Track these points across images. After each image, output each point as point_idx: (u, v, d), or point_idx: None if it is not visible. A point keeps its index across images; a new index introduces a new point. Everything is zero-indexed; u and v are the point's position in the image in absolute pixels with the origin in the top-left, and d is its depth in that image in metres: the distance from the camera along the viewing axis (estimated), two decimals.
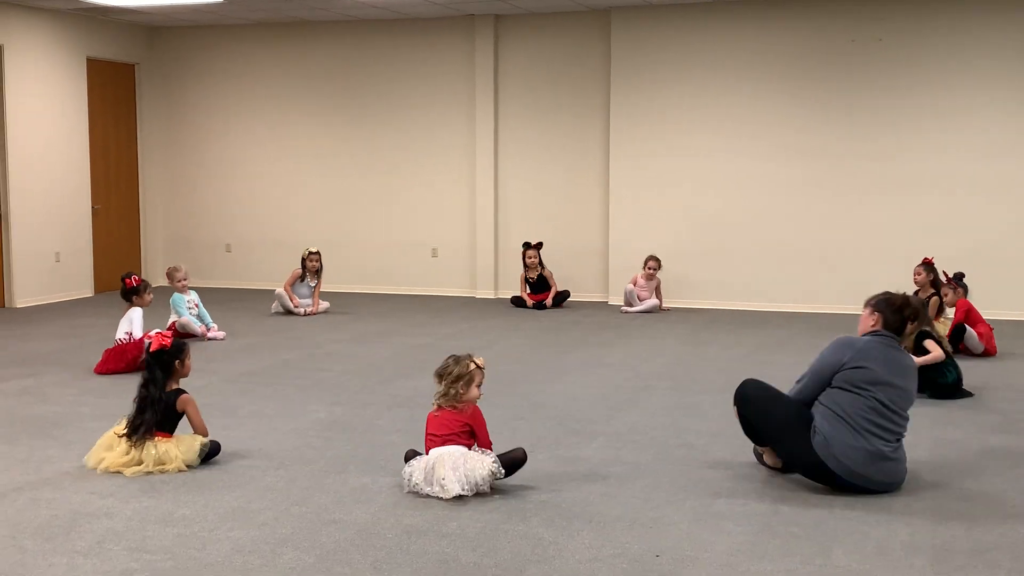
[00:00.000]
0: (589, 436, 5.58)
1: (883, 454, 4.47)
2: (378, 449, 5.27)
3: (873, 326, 4.65)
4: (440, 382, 4.63)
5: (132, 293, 7.57)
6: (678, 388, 6.85)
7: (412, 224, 12.24)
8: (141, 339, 7.30)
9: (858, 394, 4.46)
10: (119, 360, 7.28)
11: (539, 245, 11.08)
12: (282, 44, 12.59)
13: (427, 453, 4.59)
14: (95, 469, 4.85)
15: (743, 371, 7.43)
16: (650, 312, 10.56)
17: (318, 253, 10.50)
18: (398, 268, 12.32)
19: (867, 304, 4.72)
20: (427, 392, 5.96)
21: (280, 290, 10.37)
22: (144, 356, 5.04)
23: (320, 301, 10.56)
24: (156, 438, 4.88)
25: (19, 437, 5.52)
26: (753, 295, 10.93)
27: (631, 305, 10.57)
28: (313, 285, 10.49)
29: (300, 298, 10.45)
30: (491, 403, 6.32)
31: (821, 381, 4.57)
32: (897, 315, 4.64)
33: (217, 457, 5.03)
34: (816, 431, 4.48)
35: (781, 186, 10.82)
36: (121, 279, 7.58)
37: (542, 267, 11.04)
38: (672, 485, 4.71)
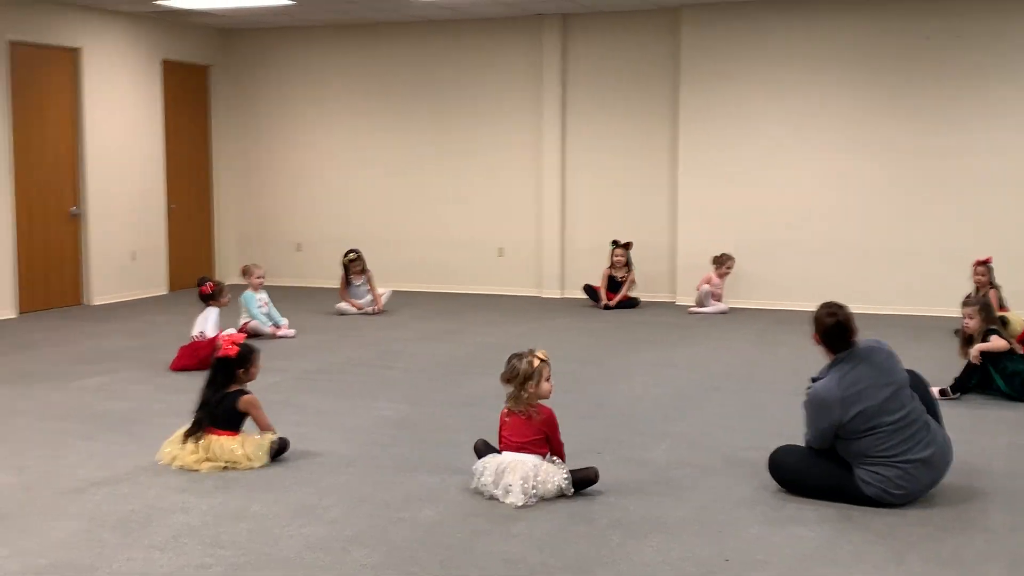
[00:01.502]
0: (656, 437, 5.54)
1: (929, 454, 4.35)
2: (446, 448, 5.29)
3: (826, 352, 4.46)
4: (510, 385, 4.61)
5: (208, 298, 7.76)
6: (747, 389, 6.78)
7: (478, 223, 12.27)
8: (214, 338, 7.44)
9: (873, 434, 4.31)
10: (192, 357, 7.44)
11: (628, 245, 11.01)
12: (351, 45, 12.72)
13: (500, 452, 4.59)
14: (168, 465, 4.95)
15: (812, 373, 7.32)
16: (719, 313, 10.46)
17: (357, 253, 10.54)
18: (464, 267, 12.35)
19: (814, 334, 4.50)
20: (496, 391, 5.98)
21: (339, 304, 10.47)
22: (214, 359, 5.13)
23: (379, 291, 10.59)
24: (219, 436, 4.96)
25: (96, 432, 5.66)
26: (823, 295, 10.74)
27: (702, 306, 10.47)
28: (360, 284, 10.54)
29: (358, 299, 10.53)
30: (557, 403, 6.27)
31: (830, 440, 4.40)
32: (826, 321, 4.40)
33: (287, 454, 5.10)
34: (862, 480, 4.33)
35: (852, 184, 10.64)
36: (197, 284, 7.74)
37: (628, 269, 10.97)
38: (741, 488, 4.66)
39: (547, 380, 4.61)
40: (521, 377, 4.57)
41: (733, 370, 7.47)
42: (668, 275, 11.43)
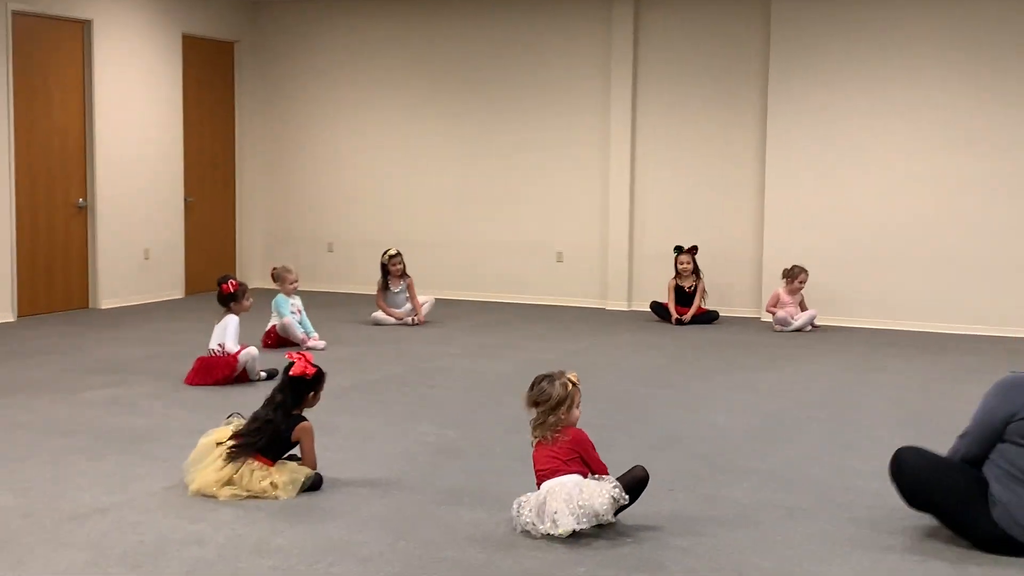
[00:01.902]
0: (737, 474, 5.50)
1: None
2: (494, 478, 5.29)
3: None
4: (536, 410, 4.62)
5: (230, 299, 7.77)
6: (842, 421, 6.70)
7: (534, 225, 12.31)
8: (234, 355, 7.54)
9: None
10: (207, 374, 7.52)
11: (693, 249, 10.97)
12: (396, 22, 12.82)
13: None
14: (188, 487, 5.00)
15: (920, 404, 7.22)
16: (808, 330, 10.36)
17: (399, 255, 10.62)
18: (517, 274, 12.40)
19: None
20: None
21: (375, 314, 10.55)
22: (283, 375, 5.19)
23: (421, 300, 10.68)
24: (255, 463, 5.01)
25: (105, 452, 5.74)
26: (929, 313, 10.61)
27: (785, 325, 10.38)
28: (400, 291, 10.60)
29: (396, 308, 10.60)
30: (620, 432, 6.29)
31: (990, 436, 4.31)
32: None
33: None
34: (994, 500, 4.25)
35: (962, 189, 10.47)
36: (217, 283, 7.80)
37: (697, 277, 10.93)
38: (835, 535, 4.60)
39: (577, 407, 4.65)
40: (553, 402, 4.60)
41: (827, 397, 7.39)
42: (751, 287, 11.35)
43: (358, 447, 5.89)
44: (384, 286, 10.61)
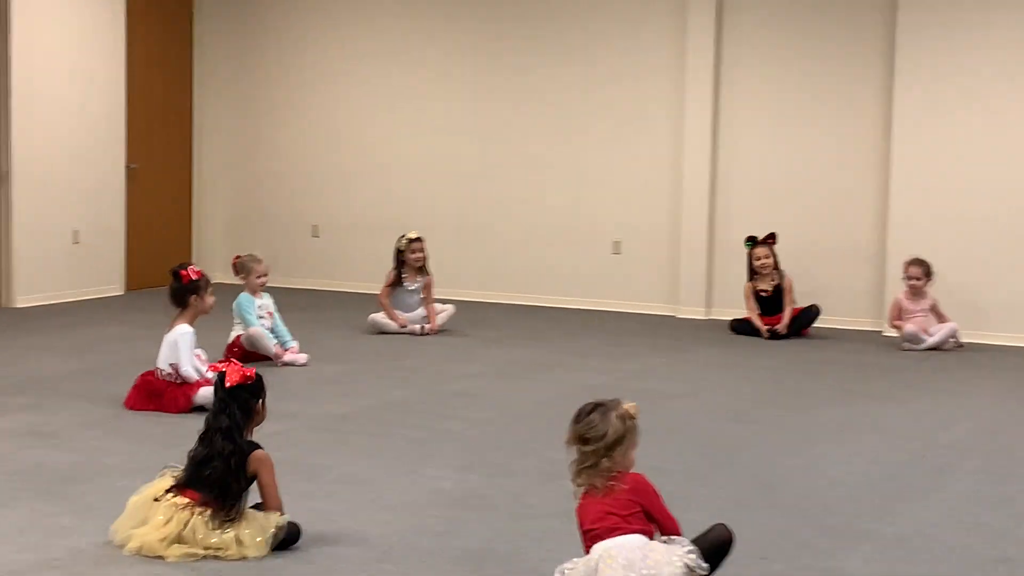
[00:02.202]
0: (853, 539, 5.45)
1: None
2: (528, 540, 5.26)
3: None
4: (583, 449, 4.57)
5: (189, 291, 7.67)
6: (992, 471, 6.63)
7: (584, 207, 12.34)
8: (190, 386, 7.50)
9: None
10: (153, 398, 7.49)
11: (771, 239, 10.95)
12: None
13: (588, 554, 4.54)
14: (123, 548, 4.97)
15: None
16: (947, 348, 10.27)
17: (420, 240, 10.63)
18: (560, 270, 12.41)
19: None
20: None
21: (374, 316, 10.54)
22: (217, 393, 5.16)
23: (437, 307, 10.69)
24: (204, 509, 4.98)
25: (19, 497, 5.70)
26: None
27: (916, 342, 10.29)
28: (416, 288, 10.64)
29: (406, 310, 10.61)
30: (697, 481, 6.25)
31: None
32: None
33: (295, 544, 5.10)
34: None
35: None
36: (173, 272, 7.73)
37: (779, 274, 10.90)
38: None
39: (635, 446, 4.59)
40: (608, 441, 4.53)
41: (973, 439, 7.33)
42: (871, 291, 11.32)
43: (350, 496, 5.85)
44: (396, 281, 10.62)
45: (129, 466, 6.15)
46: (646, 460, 4.75)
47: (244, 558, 4.92)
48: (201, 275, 7.74)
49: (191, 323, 7.65)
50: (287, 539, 5.06)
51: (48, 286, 11.94)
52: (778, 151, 11.62)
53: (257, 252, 10.26)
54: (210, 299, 7.82)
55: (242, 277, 9.32)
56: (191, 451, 5.14)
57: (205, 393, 7.42)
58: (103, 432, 6.96)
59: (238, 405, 5.13)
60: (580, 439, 4.57)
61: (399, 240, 10.65)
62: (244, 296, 9.20)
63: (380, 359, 9.41)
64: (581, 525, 4.58)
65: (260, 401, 5.22)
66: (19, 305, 11.63)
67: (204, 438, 5.13)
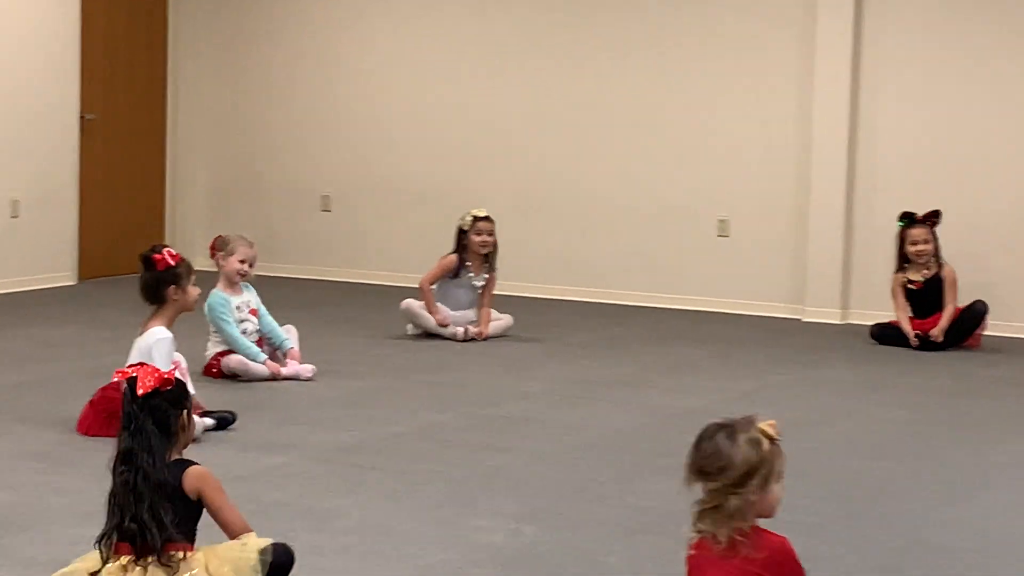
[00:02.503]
0: None
1: None
2: None
3: None
4: (707, 486, 4.50)
5: (166, 282, 7.63)
6: None
7: (682, 178, 12.35)
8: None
9: None
10: (106, 422, 7.36)
11: (933, 218, 10.90)
12: None
13: None
14: None
15: None
16: None
17: (489, 220, 10.64)
18: (648, 257, 12.39)
19: None
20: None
21: (407, 304, 10.53)
22: (126, 406, 5.12)
23: (494, 315, 10.69)
24: (171, 554, 4.95)
25: None
26: None
27: None
28: (480, 285, 10.66)
29: (453, 308, 10.62)
30: (837, 536, 6.22)
31: None
32: None
33: None
34: None
35: None
36: (144, 257, 7.68)
37: (939, 263, 10.84)
38: None
39: (779, 480, 4.46)
40: (737, 472, 4.43)
41: None
42: None
43: (371, 552, 5.84)
44: (455, 269, 10.59)
45: (82, 508, 6.13)
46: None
47: None
48: (181, 260, 7.70)
49: (170, 324, 7.63)
50: (278, 566, 5.00)
51: None
52: (937, 110, 11.59)
53: (248, 232, 10.20)
54: (194, 291, 7.80)
55: (221, 257, 9.16)
56: (110, 492, 5.09)
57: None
58: (49, 464, 6.98)
59: (153, 420, 5.02)
60: (699, 472, 4.44)
61: (463, 219, 10.64)
62: (216, 296, 9.01)
63: (410, 372, 9.41)
64: None
65: (183, 412, 5.11)
66: None
67: (118, 464, 5.07)
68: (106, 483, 6.53)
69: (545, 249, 12.70)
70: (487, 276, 10.69)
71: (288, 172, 13.57)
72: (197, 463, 5.09)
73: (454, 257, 10.63)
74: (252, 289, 9.30)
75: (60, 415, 7.87)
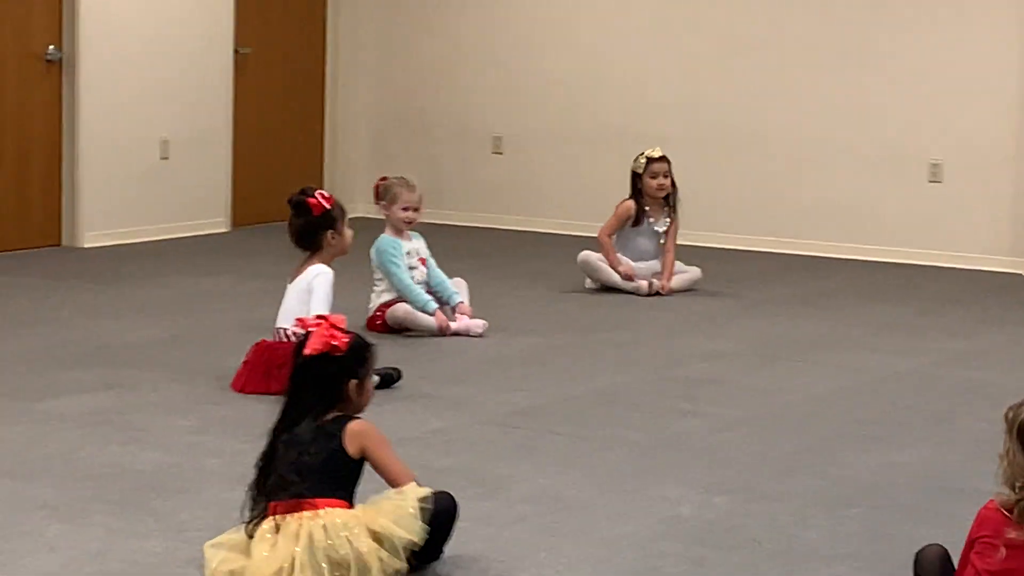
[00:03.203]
0: None
1: None
2: None
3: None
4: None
5: (320, 226, 7.75)
6: None
7: (885, 117, 12.27)
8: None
9: None
10: (271, 376, 7.45)
11: None
12: None
13: None
14: None
15: None
16: None
17: (665, 161, 10.56)
18: (850, 205, 12.34)
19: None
20: (932, 476, 5.79)
21: (585, 255, 10.53)
22: (295, 361, 5.19)
23: (679, 268, 10.67)
24: (315, 511, 5.00)
25: (91, 511, 5.82)
26: None
27: None
28: (662, 231, 10.63)
29: (635, 259, 10.61)
30: None
31: None
32: None
33: (462, 559, 5.14)
34: None
35: None
36: (294, 201, 7.78)
37: None
38: None
39: None
40: None
41: None
42: None
43: (547, 523, 5.85)
44: (636, 216, 10.57)
45: (236, 471, 6.17)
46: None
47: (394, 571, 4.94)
48: (334, 202, 7.79)
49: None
50: (440, 517, 5.08)
51: (126, 219, 12.23)
52: None
53: (410, 174, 10.24)
54: (349, 233, 7.88)
55: (383, 206, 9.28)
56: (265, 449, 5.17)
57: None
58: (201, 423, 7.08)
59: (315, 384, 5.15)
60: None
61: (637, 160, 10.59)
62: (385, 239, 9.13)
63: (589, 329, 9.42)
64: (982, 548, 4.46)
65: (357, 382, 5.19)
66: (86, 245, 11.95)
67: (275, 425, 5.17)
68: (260, 447, 6.65)
69: (735, 197, 12.65)
70: (668, 220, 10.64)
71: (456, 111, 13.61)
72: (359, 417, 5.17)
73: (631, 203, 10.59)
74: (421, 238, 9.36)
75: (213, 371, 7.99)
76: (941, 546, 4.77)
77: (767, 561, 5.50)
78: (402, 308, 8.98)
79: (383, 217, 9.33)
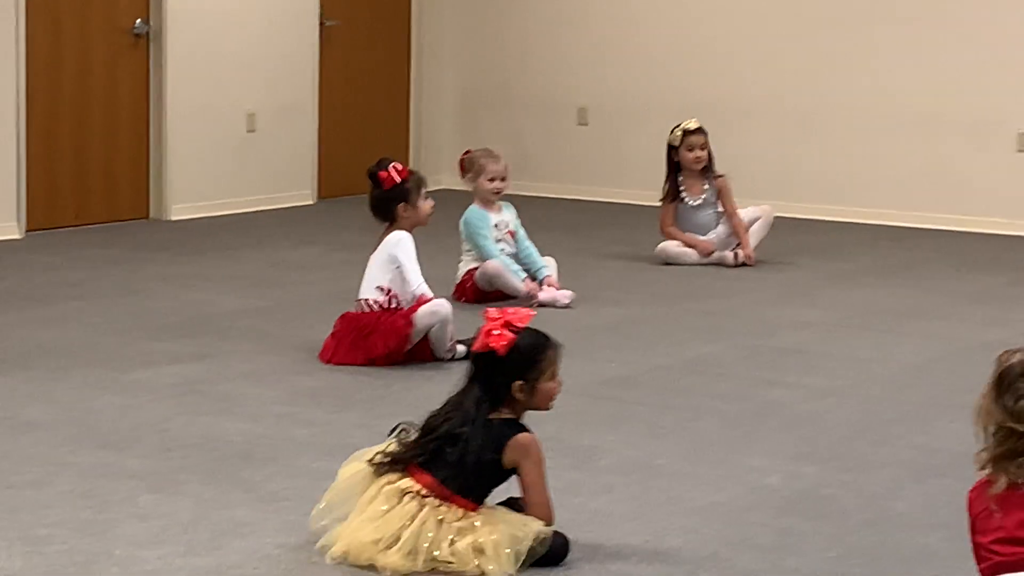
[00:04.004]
0: None
1: None
2: (895, 560, 5.23)
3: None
4: (1008, 425, 4.40)
5: (395, 199, 7.77)
6: None
7: (974, 83, 12.18)
8: (410, 310, 7.63)
9: None
10: (359, 346, 7.58)
11: None
12: None
13: None
14: (324, 551, 5.06)
15: None
16: None
17: (701, 132, 10.46)
18: (942, 175, 12.33)
19: None
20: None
21: (663, 246, 10.49)
22: (456, 352, 5.20)
23: (748, 217, 10.60)
24: (445, 506, 5.02)
25: (182, 481, 5.87)
26: None
27: None
28: (696, 204, 10.58)
29: (701, 232, 10.56)
30: None
31: None
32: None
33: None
34: None
35: None
36: (371, 173, 7.81)
37: None
38: None
39: None
40: None
41: None
42: None
43: (636, 493, 5.87)
44: (674, 194, 10.55)
45: (326, 442, 6.25)
46: None
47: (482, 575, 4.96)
48: (409, 174, 7.80)
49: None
50: (549, 556, 5.06)
51: (214, 191, 12.30)
52: None
53: (496, 146, 10.24)
54: (426, 205, 7.89)
55: (470, 179, 9.31)
56: (432, 415, 5.18)
57: (430, 311, 7.56)
58: (291, 394, 7.12)
59: (481, 380, 5.15)
60: (1007, 413, 4.38)
61: (672, 134, 10.53)
62: (474, 211, 9.19)
63: (675, 299, 9.42)
64: (984, 536, 4.43)
65: (523, 383, 5.15)
66: (175, 217, 12.03)
67: (443, 408, 5.17)
68: (353, 415, 6.68)
69: (822, 165, 12.59)
70: (710, 189, 10.56)
71: (542, 82, 13.59)
72: (528, 430, 5.14)
73: (667, 184, 10.56)
74: (512, 209, 9.40)
75: (301, 342, 8.04)
76: None
77: (856, 531, 5.51)
78: (493, 263, 9.00)
79: (469, 190, 9.36)
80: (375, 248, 7.84)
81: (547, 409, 5.23)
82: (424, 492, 5.04)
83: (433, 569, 4.95)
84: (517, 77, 13.71)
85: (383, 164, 7.80)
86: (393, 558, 4.95)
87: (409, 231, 7.80)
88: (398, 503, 5.03)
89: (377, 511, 5.03)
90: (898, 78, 12.31)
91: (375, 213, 7.88)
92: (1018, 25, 11.91)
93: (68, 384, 7.25)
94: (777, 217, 10.98)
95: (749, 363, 7.94)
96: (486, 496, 5.14)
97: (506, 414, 5.13)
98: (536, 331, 5.24)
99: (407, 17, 13.69)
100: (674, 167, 10.57)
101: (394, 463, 5.10)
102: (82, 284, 9.57)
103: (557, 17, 13.50)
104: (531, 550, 5.01)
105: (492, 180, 9.22)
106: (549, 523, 5.10)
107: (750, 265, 10.45)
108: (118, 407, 6.86)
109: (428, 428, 5.15)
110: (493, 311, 5.24)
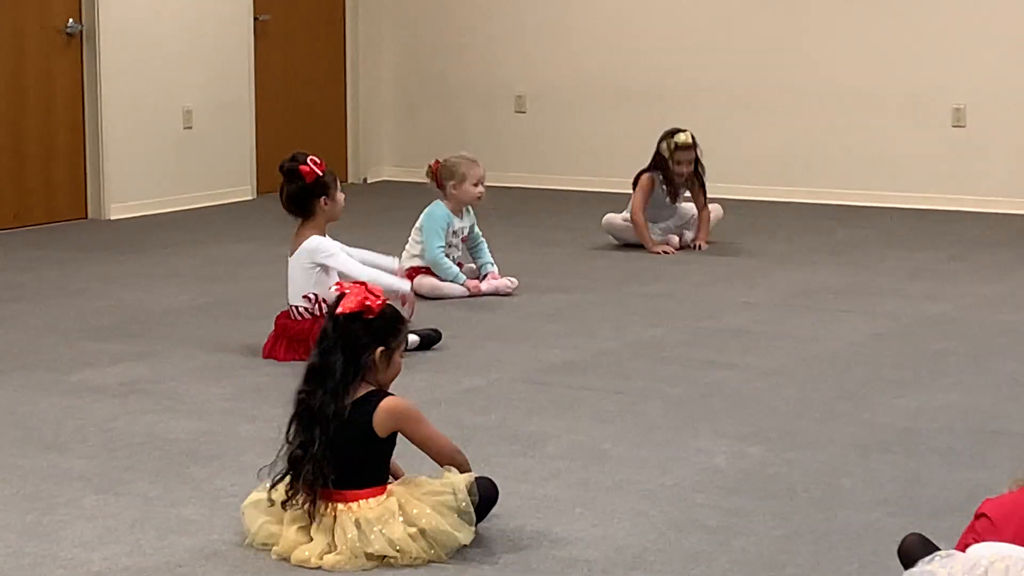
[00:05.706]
0: None
1: None
2: (841, 538, 5.24)
3: None
4: None
5: (318, 193, 7.65)
6: None
7: (908, 62, 12.27)
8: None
9: None
10: (294, 348, 7.55)
11: None
12: None
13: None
14: (262, 547, 5.07)
15: None
16: None
17: (693, 147, 10.42)
18: (875, 152, 12.41)
19: None
20: (966, 419, 5.80)
21: (609, 218, 10.53)
22: (326, 321, 5.16)
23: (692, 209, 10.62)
24: (348, 504, 5.02)
25: (127, 480, 5.86)
26: None
27: None
28: (677, 204, 10.57)
29: (653, 219, 10.56)
30: None
31: None
32: None
33: (498, 517, 5.13)
34: None
35: None
36: (286, 168, 7.65)
37: None
38: None
39: None
40: None
41: None
42: None
43: (583, 477, 5.88)
44: (651, 188, 10.48)
45: (272, 437, 6.20)
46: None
47: (437, 560, 4.93)
48: (326, 168, 7.72)
49: (322, 235, 7.71)
50: (482, 504, 5.07)
51: (152, 190, 12.27)
52: None
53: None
54: (341, 197, 7.82)
55: (452, 186, 9.22)
56: (288, 424, 5.14)
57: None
58: (235, 390, 7.12)
59: (344, 345, 5.07)
60: None
61: (665, 140, 10.46)
62: (441, 209, 9.17)
63: (618, 284, 9.45)
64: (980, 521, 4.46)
65: (384, 350, 5.12)
66: (113, 217, 11.99)
67: (299, 389, 5.14)
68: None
69: (760, 149, 12.62)
70: (686, 197, 10.62)
71: (479, 72, 13.59)
72: (390, 394, 5.13)
73: (650, 175, 10.47)
74: (472, 217, 9.40)
75: (244, 338, 8.03)
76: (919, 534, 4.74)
77: (803, 509, 5.53)
78: (428, 283, 8.98)
79: (441, 197, 9.29)
80: (292, 250, 7.75)
81: (388, 389, 5.18)
82: (329, 502, 5.03)
83: (385, 562, 4.94)
84: (454, 67, 13.70)
85: (300, 158, 7.65)
86: (337, 559, 4.95)
87: (324, 227, 7.74)
88: (312, 522, 5.02)
89: (298, 538, 5.02)
90: (833, 56, 12.36)
91: (291, 208, 7.74)
92: (948, 3, 11.94)
93: (10, 386, 7.21)
94: (717, 199, 10.99)
95: (693, 345, 7.97)
96: (385, 473, 5.12)
97: (362, 391, 5.09)
98: (388, 303, 5.24)
99: (342, 9, 13.67)
100: (663, 169, 10.44)
101: (292, 492, 5.05)
102: (22, 286, 9.53)
103: (492, 6, 13.51)
104: (469, 498, 4.99)
105: (477, 185, 9.26)
106: (465, 467, 5.12)
107: (700, 248, 10.53)
108: (62, 408, 6.83)
109: (303, 445, 5.07)
110: (347, 283, 5.26)
